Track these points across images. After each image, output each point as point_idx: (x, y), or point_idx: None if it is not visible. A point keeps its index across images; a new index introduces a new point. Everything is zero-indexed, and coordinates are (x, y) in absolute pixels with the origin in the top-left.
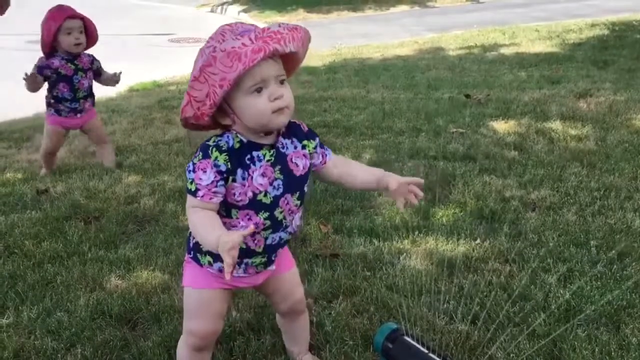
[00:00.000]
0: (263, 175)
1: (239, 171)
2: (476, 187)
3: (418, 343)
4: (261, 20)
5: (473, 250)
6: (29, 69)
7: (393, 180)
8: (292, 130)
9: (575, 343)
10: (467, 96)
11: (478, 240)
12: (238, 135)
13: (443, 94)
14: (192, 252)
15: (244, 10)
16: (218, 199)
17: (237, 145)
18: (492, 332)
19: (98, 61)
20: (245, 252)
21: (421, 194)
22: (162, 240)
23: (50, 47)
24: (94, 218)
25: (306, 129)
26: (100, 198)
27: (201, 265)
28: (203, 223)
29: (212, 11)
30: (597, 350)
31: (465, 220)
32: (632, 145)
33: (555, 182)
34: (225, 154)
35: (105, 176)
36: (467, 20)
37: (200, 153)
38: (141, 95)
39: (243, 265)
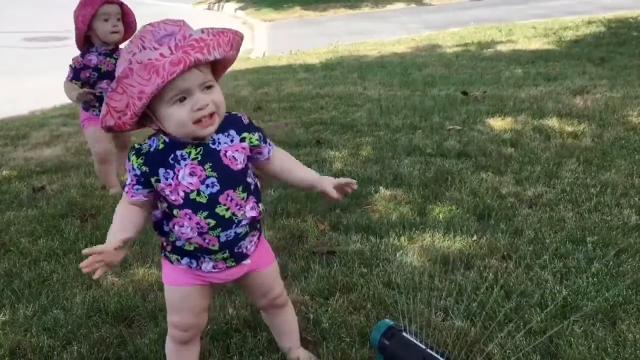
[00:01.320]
0: (191, 174)
1: (161, 171)
2: (472, 183)
3: (414, 339)
4: (258, 17)
5: (469, 247)
6: (27, 67)
7: (328, 183)
8: (229, 123)
9: (572, 339)
10: (464, 93)
11: (474, 237)
12: (162, 136)
13: (440, 91)
14: (163, 251)
15: (241, 8)
16: (138, 198)
17: (160, 146)
18: (489, 329)
19: None
20: (203, 250)
21: (355, 187)
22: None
23: (85, 38)
24: (90, 215)
25: (247, 120)
26: (96, 195)
27: (172, 263)
28: (116, 216)
29: (209, 8)
30: (593, 346)
31: (462, 217)
32: (628, 142)
33: (552, 178)
34: (141, 157)
35: None
36: (464, 18)
37: (133, 154)
38: None
39: (208, 261)
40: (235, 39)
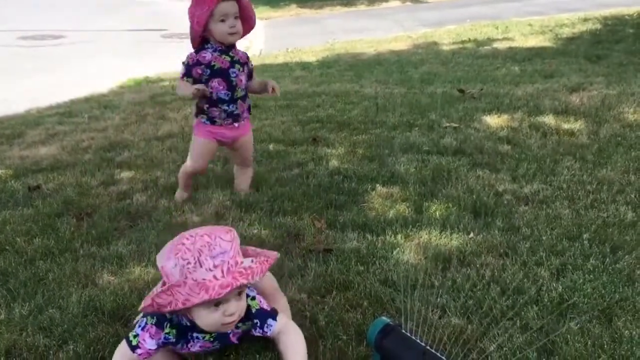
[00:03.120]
0: (201, 347)
1: (181, 342)
2: (469, 181)
3: (412, 337)
4: None
5: (466, 244)
6: (22, 66)
7: None
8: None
9: (568, 336)
10: (461, 91)
11: (471, 234)
12: (184, 318)
13: (436, 89)
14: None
15: None
16: (146, 357)
17: (185, 322)
18: (486, 326)
19: (251, 62)
20: None
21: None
22: (155, 236)
23: (201, 39)
24: (86, 214)
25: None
26: (92, 194)
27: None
28: None
29: None
30: (589, 343)
31: (458, 214)
32: (625, 139)
33: (548, 176)
34: (174, 328)
35: (98, 172)
36: (460, 15)
37: (155, 318)
38: (133, 91)
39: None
40: (274, 261)
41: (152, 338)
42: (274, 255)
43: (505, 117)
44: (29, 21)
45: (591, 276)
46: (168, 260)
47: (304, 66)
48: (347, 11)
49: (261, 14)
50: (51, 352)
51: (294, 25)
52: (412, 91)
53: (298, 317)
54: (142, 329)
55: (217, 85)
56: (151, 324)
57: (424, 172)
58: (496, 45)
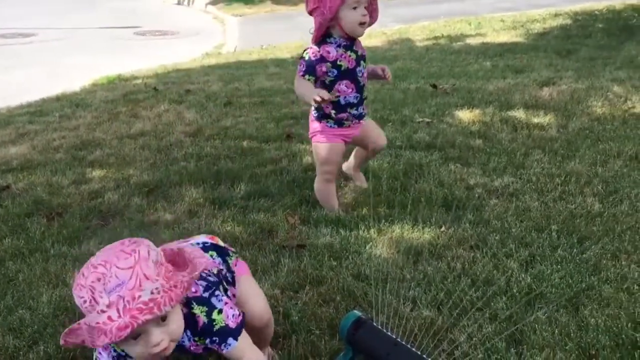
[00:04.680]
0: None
1: None
2: (441, 175)
3: (383, 330)
4: (229, 12)
5: (438, 238)
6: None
7: None
8: (187, 324)
9: (536, 325)
10: (434, 86)
11: (443, 228)
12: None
13: (410, 84)
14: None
15: (211, 2)
16: None
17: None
18: (456, 317)
19: None
20: None
21: None
22: (128, 235)
23: (326, 30)
24: (57, 214)
25: (199, 326)
26: (63, 194)
27: None
28: None
29: (178, 3)
30: (557, 331)
31: (430, 208)
32: (593, 132)
33: (518, 169)
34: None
35: (69, 171)
36: (434, 11)
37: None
38: (106, 89)
39: None
40: (192, 280)
41: (105, 351)
42: (195, 270)
43: (477, 111)
44: (12, 18)
45: (559, 266)
46: (74, 293)
47: (279, 63)
48: None
49: (235, 10)
50: (21, 353)
51: (269, 21)
52: (386, 87)
53: (272, 312)
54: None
55: (345, 89)
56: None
57: (396, 167)
58: (469, 41)
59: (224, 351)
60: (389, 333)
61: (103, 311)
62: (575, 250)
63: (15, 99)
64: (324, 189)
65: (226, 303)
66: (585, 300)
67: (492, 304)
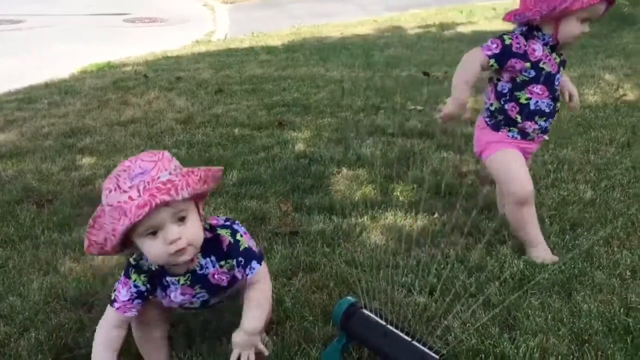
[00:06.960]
0: (183, 294)
1: (158, 290)
2: (434, 162)
3: (376, 316)
4: (217, 0)
5: (431, 225)
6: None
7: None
8: (210, 248)
9: (529, 311)
10: (426, 74)
11: (436, 215)
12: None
13: (401, 72)
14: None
15: None
16: (132, 314)
17: (154, 267)
18: (449, 303)
19: None
20: None
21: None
22: None
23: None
24: (47, 201)
25: (226, 247)
26: (53, 181)
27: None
28: (101, 346)
29: None
30: (549, 317)
31: (424, 195)
32: (585, 120)
33: None
34: (143, 275)
35: (59, 158)
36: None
37: (124, 270)
38: (95, 77)
39: None
40: (207, 175)
41: (124, 288)
42: (207, 168)
43: (469, 99)
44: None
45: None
46: (102, 192)
47: (270, 50)
48: None
49: None
50: (12, 339)
51: (260, 9)
52: (378, 75)
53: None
54: (119, 282)
55: (538, 93)
56: (122, 274)
57: (389, 154)
58: (460, 29)
59: (248, 275)
60: (383, 319)
61: (125, 191)
62: (567, 236)
63: (3, 86)
64: (519, 215)
65: (245, 233)
66: (578, 286)
67: (486, 290)
